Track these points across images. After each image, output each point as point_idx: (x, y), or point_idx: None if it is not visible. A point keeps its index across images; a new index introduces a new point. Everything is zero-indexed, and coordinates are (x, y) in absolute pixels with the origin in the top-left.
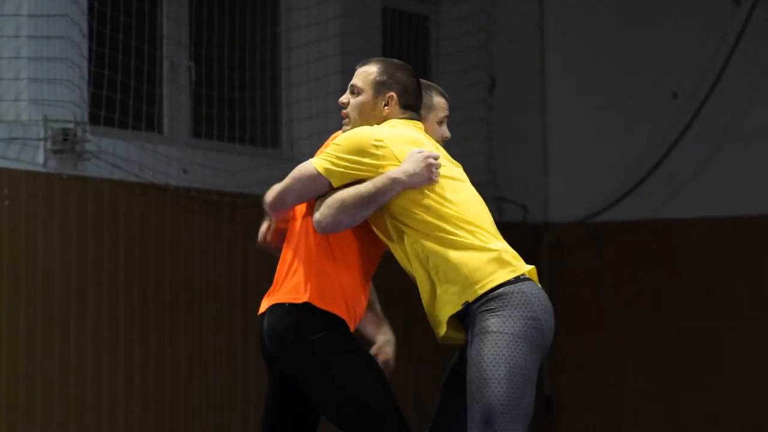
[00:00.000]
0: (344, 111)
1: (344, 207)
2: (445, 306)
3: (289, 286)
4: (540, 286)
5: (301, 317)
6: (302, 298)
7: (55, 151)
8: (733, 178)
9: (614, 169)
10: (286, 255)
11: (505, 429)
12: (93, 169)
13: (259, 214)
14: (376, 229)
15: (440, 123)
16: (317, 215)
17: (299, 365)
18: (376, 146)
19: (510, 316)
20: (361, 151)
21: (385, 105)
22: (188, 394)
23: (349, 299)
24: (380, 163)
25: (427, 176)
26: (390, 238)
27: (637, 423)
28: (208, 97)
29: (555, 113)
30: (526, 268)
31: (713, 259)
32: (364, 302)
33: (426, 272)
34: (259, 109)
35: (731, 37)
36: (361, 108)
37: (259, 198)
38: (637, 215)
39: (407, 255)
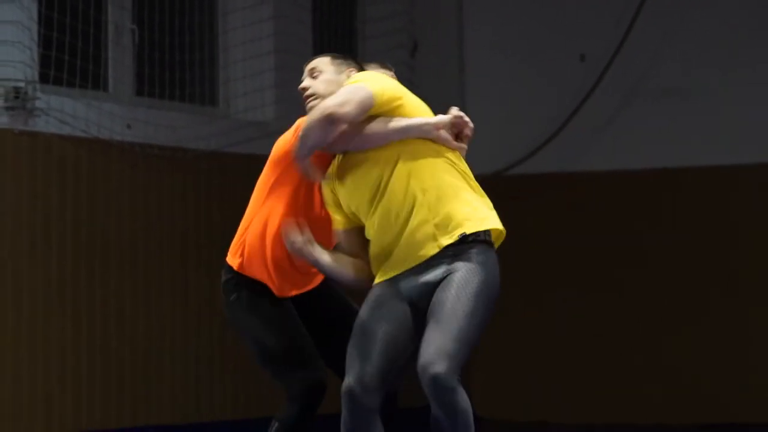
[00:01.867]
0: (308, 93)
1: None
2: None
3: (234, 245)
4: None
5: (228, 279)
6: (234, 262)
7: (7, 108)
8: (637, 133)
9: (528, 125)
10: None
11: (466, 354)
12: (43, 125)
13: (197, 168)
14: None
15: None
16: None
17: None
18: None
19: (495, 262)
20: (394, 93)
21: (347, 78)
22: (133, 342)
23: (276, 268)
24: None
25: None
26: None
27: (548, 365)
28: (150, 59)
29: (473, 74)
30: None
31: (620, 208)
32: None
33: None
34: (197, 69)
35: (634, 5)
36: (327, 83)
37: (198, 152)
38: (550, 168)
39: (425, 174)
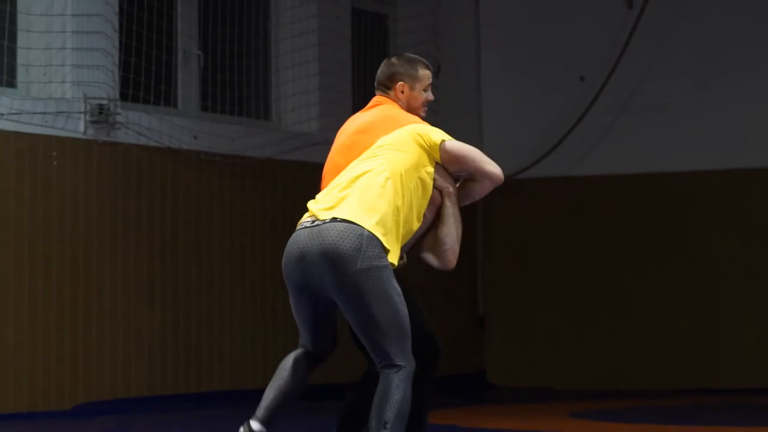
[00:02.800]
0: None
1: None
2: None
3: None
4: (304, 228)
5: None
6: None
7: (93, 122)
8: (628, 142)
9: (535, 136)
10: None
11: None
12: (122, 136)
13: (253, 173)
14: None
15: (425, 89)
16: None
17: None
18: None
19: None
20: None
21: None
22: (198, 319)
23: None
24: None
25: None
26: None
27: (552, 338)
28: (213, 79)
29: (488, 92)
30: (305, 215)
31: (614, 207)
32: None
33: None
34: (253, 88)
35: (626, 33)
36: None
37: (254, 159)
38: (553, 172)
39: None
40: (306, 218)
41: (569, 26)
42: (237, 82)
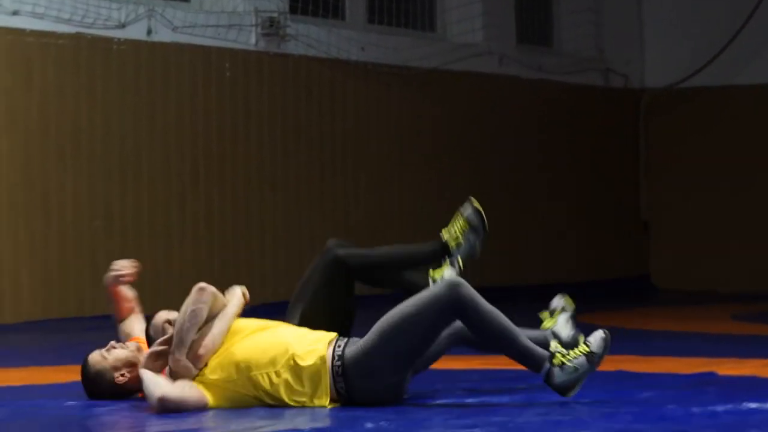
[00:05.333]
0: None
1: None
2: None
3: None
4: None
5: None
6: None
7: (264, 35)
8: None
9: (696, 44)
10: None
11: None
12: (292, 48)
13: (418, 83)
14: None
15: None
16: None
17: None
18: None
19: None
20: None
21: None
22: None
23: None
24: None
25: None
26: None
27: (715, 242)
28: None
29: (649, 1)
30: None
31: None
32: None
33: None
34: (419, 1)
35: None
36: None
37: (420, 70)
38: (714, 82)
39: None
40: None
41: None
42: None
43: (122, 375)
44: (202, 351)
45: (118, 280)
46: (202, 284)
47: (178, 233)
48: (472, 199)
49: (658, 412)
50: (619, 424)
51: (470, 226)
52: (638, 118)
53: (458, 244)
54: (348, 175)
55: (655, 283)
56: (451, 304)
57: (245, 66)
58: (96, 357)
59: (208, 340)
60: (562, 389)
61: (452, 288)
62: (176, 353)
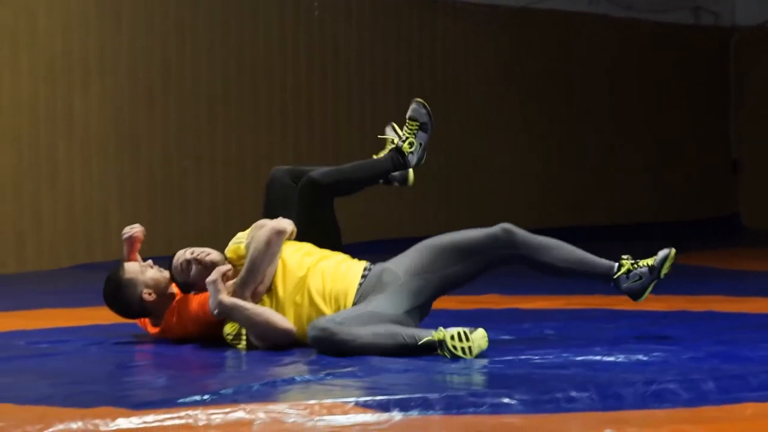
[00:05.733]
0: None
1: None
2: None
3: None
4: None
5: None
6: None
7: None
8: None
9: None
10: None
11: None
12: None
13: (507, 22)
14: None
15: None
16: None
17: None
18: None
19: None
20: None
21: None
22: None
23: None
24: None
25: None
26: None
27: None
28: None
29: None
30: None
31: None
32: None
33: None
34: None
35: None
36: None
37: (509, 9)
38: None
39: None
40: None
41: None
42: None
43: (150, 294)
44: (261, 288)
45: (131, 242)
46: (282, 226)
47: (265, 174)
48: (417, 99)
49: (746, 353)
50: (707, 364)
51: (418, 123)
52: (728, 56)
53: (410, 143)
54: (439, 116)
55: (746, 222)
56: (508, 246)
57: (334, 4)
58: (134, 266)
59: (267, 278)
60: (632, 294)
61: (506, 230)
62: (244, 289)
